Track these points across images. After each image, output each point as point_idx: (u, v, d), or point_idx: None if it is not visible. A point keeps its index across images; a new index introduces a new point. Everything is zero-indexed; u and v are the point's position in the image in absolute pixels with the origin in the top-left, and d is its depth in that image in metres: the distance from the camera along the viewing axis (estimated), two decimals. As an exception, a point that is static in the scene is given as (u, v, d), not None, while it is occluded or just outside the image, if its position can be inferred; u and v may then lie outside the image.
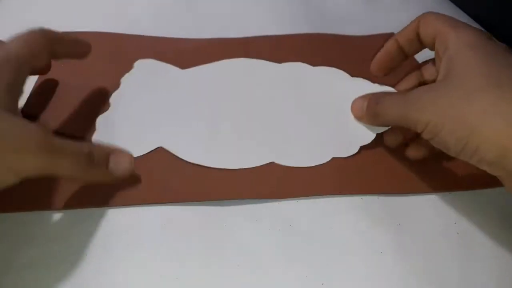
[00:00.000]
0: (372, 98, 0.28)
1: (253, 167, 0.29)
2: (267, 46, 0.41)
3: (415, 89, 0.26)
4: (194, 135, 0.31)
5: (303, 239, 0.25)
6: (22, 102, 0.30)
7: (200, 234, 0.25)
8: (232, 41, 0.42)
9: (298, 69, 0.37)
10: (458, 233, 0.26)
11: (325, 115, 0.32)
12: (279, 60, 0.38)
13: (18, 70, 0.24)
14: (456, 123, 0.22)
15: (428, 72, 0.30)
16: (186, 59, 0.37)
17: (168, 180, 0.28)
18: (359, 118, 0.30)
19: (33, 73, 0.26)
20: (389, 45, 0.30)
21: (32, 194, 0.26)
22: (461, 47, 0.25)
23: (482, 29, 0.47)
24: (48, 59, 0.28)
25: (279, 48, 0.41)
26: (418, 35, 0.29)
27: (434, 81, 0.28)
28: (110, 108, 0.32)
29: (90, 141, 0.29)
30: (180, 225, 0.25)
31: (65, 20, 0.45)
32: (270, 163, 0.29)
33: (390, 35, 0.44)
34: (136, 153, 0.29)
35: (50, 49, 0.27)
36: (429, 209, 0.27)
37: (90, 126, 0.31)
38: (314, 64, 0.38)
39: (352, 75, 0.37)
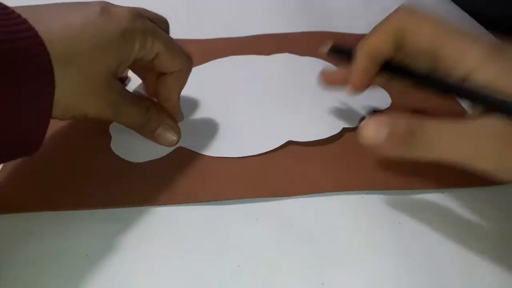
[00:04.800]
0: (409, 123, 0.22)
1: (268, 152, 0.30)
2: (266, 44, 0.41)
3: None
4: (210, 130, 0.31)
5: (303, 239, 0.25)
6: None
7: (200, 234, 0.25)
8: (230, 41, 0.42)
9: (286, 58, 0.39)
10: (458, 232, 0.26)
11: (322, 94, 0.33)
12: None
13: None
14: None
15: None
16: None
17: (182, 181, 0.28)
18: (373, 146, 0.23)
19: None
20: (362, 64, 0.26)
21: (36, 195, 0.27)
22: (500, 74, 0.21)
23: (481, 27, 0.47)
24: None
25: (277, 46, 0.41)
26: (399, 46, 0.25)
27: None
28: None
29: (108, 150, 0.30)
30: (180, 224, 0.25)
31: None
32: (288, 142, 0.30)
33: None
34: (157, 155, 0.29)
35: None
36: (429, 208, 0.27)
37: (103, 134, 0.31)
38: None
39: None
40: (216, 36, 0.43)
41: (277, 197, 0.27)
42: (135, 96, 0.29)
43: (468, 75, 0.22)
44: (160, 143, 0.30)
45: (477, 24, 0.48)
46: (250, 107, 0.33)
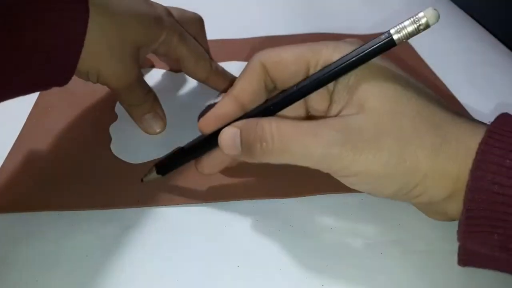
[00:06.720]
0: (255, 128, 0.21)
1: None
2: (266, 47, 0.41)
3: (329, 119, 0.21)
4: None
5: (303, 239, 0.25)
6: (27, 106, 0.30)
7: (200, 234, 0.25)
8: (229, 43, 0.42)
9: None
10: (458, 233, 0.26)
11: None
12: None
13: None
14: (406, 172, 0.20)
15: (316, 102, 0.24)
16: None
17: (180, 182, 0.28)
18: (231, 153, 0.23)
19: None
20: (227, 109, 0.24)
21: (36, 195, 0.27)
22: (365, 74, 0.22)
23: (483, 28, 0.47)
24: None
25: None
26: (267, 82, 0.24)
27: (324, 112, 0.24)
28: (118, 118, 0.33)
29: (108, 151, 0.30)
30: (180, 225, 0.25)
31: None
32: None
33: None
34: (156, 156, 0.29)
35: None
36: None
37: (103, 134, 0.31)
38: None
39: None
40: (215, 38, 0.43)
41: (277, 198, 0.27)
42: (142, 76, 0.31)
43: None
44: (143, 128, 0.31)
45: (476, 25, 0.48)
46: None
